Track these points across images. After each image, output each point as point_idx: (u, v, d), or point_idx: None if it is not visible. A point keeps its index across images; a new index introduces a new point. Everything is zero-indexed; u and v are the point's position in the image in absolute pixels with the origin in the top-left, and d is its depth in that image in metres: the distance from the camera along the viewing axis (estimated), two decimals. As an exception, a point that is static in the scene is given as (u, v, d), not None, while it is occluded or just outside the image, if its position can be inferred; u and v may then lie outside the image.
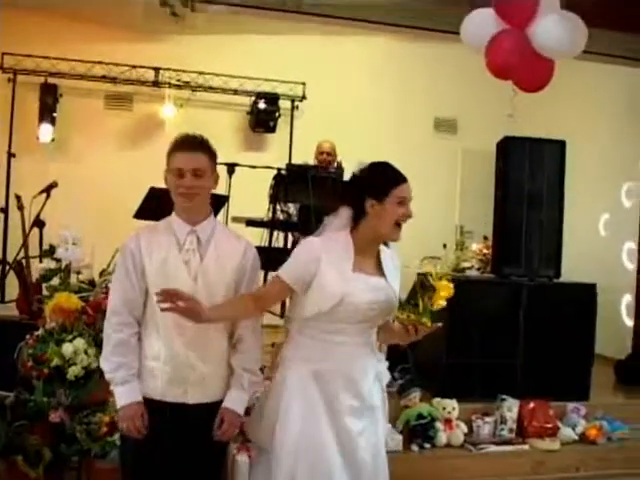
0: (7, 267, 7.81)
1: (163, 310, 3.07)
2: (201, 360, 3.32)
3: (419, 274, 3.34)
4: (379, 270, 3.35)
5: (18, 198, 6.90)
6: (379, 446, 3.38)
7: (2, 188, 8.52)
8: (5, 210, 8.16)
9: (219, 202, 5.57)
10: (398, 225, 3.27)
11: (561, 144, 6.59)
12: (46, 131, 8.82)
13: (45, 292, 5.03)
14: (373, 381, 3.37)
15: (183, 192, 3.30)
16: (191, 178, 3.28)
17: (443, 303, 3.20)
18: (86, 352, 4.44)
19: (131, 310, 3.32)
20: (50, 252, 5.18)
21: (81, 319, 4.61)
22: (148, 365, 3.32)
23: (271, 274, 6.26)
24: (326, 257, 3.21)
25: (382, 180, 3.27)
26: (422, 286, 3.20)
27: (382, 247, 3.40)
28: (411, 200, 3.29)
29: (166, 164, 3.36)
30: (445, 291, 3.20)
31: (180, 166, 3.28)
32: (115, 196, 8.09)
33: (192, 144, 3.33)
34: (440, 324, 3.19)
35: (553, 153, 6.55)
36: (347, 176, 5.25)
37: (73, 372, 4.44)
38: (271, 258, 5.64)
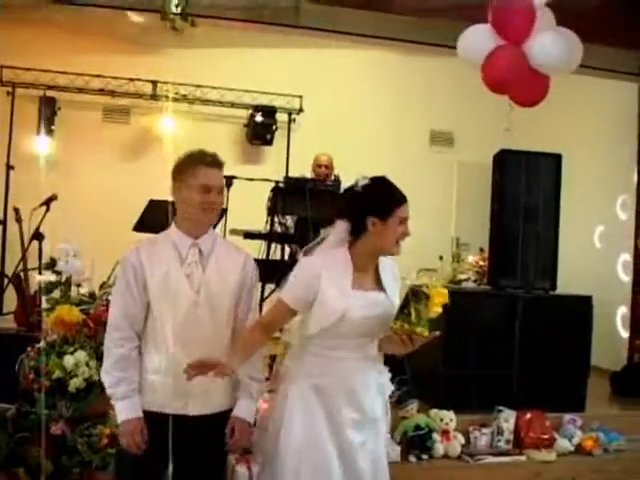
0: (5, 280, 7.82)
1: (190, 379, 3.12)
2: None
3: (412, 284, 3.32)
4: (378, 284, 3.38)
5: (16, 211, 6.91)
6: (379, 454, 3.42)
7: (0, 200, 8.53)
8: (3, 223, 8.19)
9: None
10: (397, 242, 3.31)
11: (557, 157, 6.64)
12: (44, 144, 8.84)
13: (46, 305, 5.06)
14: (375, 394, 3.40)
15: (208, 208, 3.36)
16: (216, 194, 3.36)
17: (439, 310, 3.18)
18: (87, 364, 4.49)
19: (132, 324, 3.34)
20: (51, 265, 5.21)
21: (82, 332, 4.66)
22: (149, 379, 3.35)
23: (268, 286, 6.32)
24: (326, 274, 3.24)
25: (387, 200, 3.30)
26: (414, 294, 3.19)
27: (381, 257, 3.42)
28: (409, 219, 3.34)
29: (180, 178, 3.38)
30: (439, 297, 3.18)
31: (208, 182, 3.33)
32: (113, 209, 8.12)
33: (215, 161, 3.40)
34: (438, 333, 3.18)
35: (549, 166, 6.59)
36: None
37: (74, 384, 4.48)
38: (269, 270, 5.68)
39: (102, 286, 5.09)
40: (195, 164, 3.36)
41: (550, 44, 4.74)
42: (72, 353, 4.52)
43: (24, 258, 6.65)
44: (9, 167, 8.55)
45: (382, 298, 3.33)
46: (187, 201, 3.36)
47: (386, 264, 3.44)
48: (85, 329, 4.65)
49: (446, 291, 3.22)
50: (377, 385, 3.42)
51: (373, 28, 7.08)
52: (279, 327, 3.52)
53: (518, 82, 4.83)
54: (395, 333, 3.21)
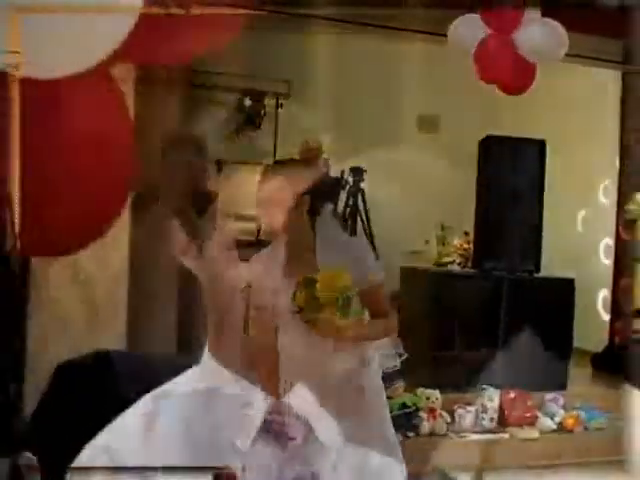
0: None
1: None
2: None
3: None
4: None
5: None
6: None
7: None
8: None
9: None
10: None
11: (541, 143, 6.77)
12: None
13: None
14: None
15: None
16: None
17: (327, 295, 2.70)
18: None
19: None
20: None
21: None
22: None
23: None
24: None
25: None
26: (304, 278, 2.77)
27: None
28: None
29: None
30: (325, 281, 2.72)
31: None
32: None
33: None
34: (351, 334, 2.81)
35: (533, 152, 6.72)
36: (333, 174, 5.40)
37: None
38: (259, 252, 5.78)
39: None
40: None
41: (538, 33, 4.82)
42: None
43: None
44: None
45: None
46: None
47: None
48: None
49: (343, 275, 2.75)
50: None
51: (361, 14, 7.12)
52: None
53: (508, 71, 4.90)
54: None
